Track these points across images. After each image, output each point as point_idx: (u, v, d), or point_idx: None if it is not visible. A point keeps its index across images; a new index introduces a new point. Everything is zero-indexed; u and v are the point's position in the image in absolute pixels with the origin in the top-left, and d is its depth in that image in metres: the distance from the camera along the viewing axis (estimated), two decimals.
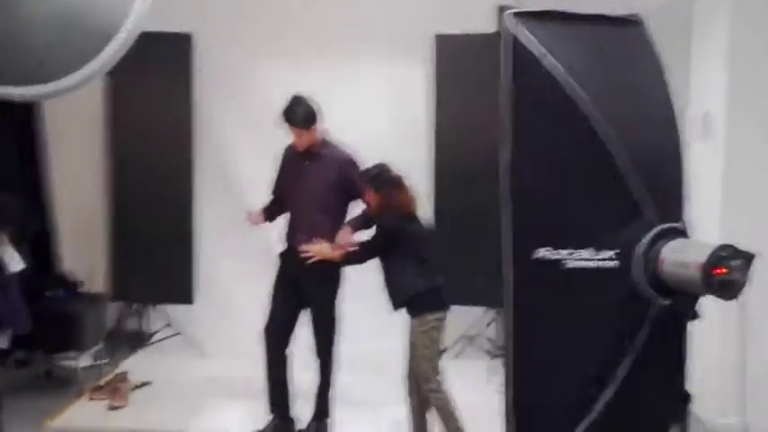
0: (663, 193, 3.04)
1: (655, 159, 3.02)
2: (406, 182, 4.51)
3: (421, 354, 4.37)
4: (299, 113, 4.71)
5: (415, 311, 4.37)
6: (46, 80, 3.01)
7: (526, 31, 2.93)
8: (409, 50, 6.63)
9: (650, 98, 3.09)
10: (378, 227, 4.51)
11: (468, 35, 6.37)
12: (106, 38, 3.03)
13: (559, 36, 2.96)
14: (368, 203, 4.60)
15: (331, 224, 4.78)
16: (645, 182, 2.95)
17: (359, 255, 4.52)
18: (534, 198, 2.95)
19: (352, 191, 4.76)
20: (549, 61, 2.90)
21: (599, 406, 2.88)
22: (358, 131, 6.45)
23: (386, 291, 4.44)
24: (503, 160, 2.95)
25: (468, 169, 6.36)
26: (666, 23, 3.91)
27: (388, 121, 6.80)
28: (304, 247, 4.60)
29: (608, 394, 2.88)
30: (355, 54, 6.76)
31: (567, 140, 2.94)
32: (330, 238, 4.68)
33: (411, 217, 4.47)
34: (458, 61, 6.46)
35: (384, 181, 4.47)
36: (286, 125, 4.76)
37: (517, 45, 2.94)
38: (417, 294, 4.34)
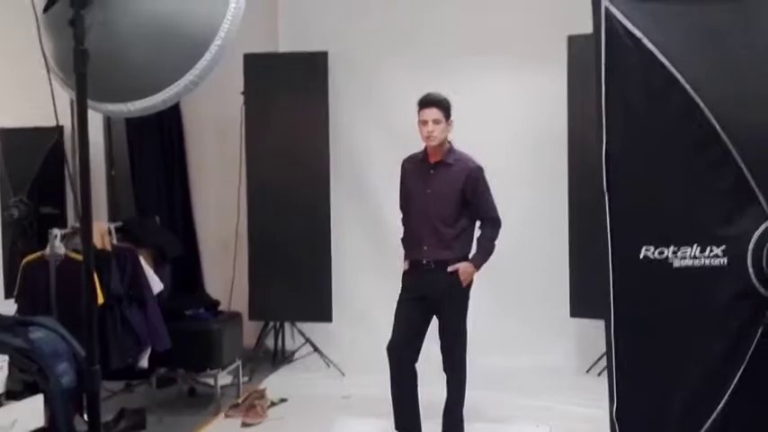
0: None
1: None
2: None
3: None
4: (440, 95, 4.61)
5: None
6: (143, 95, 3.03)
7: (621, 15, 2.71)
8: (543, 54, 6.40)
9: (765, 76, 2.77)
10: None
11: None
12: (201, 50, 3.01)
13: (659, 16, 2.72)
14: None
15: (457, 237, 4.67)
16: (758, 169, 2.66)
17: None
18: (632, 191, 2.72)
19: (475, 204, 4.66)
20: (648, 43, 2.66)
21: (710, 421, 2.59)
22: (490, 140, 6.31)
23: None
24: (597, 151, 2.73)
25: None
26: None
27: (522, 127, 6.62)
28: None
29: (720, 407, 2.58)
30: (486, 61, 6.62)
31: (667, 126, 2.69)
32: (455, 252, 4.63)
33: None
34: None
35: None
36: (426, 111, 4.58)
37: (612, 28, 2.73)
38: None
